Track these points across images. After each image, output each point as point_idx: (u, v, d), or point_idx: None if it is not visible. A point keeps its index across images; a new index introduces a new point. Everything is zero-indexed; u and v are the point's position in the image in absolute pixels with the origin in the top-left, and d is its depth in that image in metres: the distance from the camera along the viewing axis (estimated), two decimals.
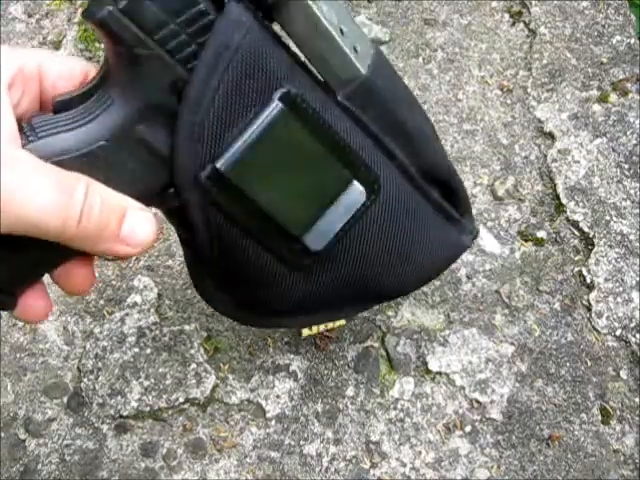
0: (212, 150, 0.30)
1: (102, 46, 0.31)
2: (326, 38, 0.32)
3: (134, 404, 0.49)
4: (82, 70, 0.32)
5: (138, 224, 0.30)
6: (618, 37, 0.60)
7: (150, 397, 0.49)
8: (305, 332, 0.48)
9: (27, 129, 0.29)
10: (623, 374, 0.49)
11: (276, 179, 0.32)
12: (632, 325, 0.50)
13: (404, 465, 0.47)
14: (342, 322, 0.48)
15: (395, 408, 0.49)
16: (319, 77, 0.33)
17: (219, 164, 0.31)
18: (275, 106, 0.31)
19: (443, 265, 0.42)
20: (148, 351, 0.50)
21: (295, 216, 0.34)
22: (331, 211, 0.34)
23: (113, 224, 0.29)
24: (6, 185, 0.25)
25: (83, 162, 0.29)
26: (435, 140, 0.40)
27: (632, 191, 0.54)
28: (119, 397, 0.49)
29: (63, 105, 0.29)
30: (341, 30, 0.32)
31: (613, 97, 0.58)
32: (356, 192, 0.34)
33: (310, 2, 0.31)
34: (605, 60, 0.59)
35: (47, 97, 0.31)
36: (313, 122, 0.32)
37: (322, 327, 0.48)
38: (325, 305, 0.39)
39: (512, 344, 0.50)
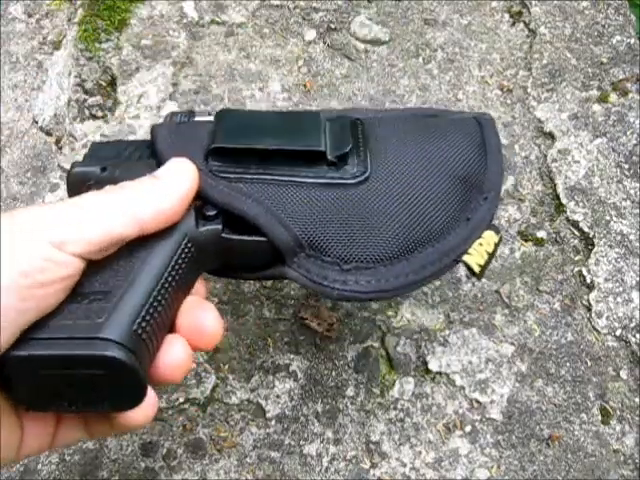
0: (200, 153, 0.37)
1: None
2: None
3: None
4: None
5: (167, 173, 0.34)
6: (618, 37, 0.60)
7: None
8: (474, 264, 0.37)
9: None
10: (623, 374, 0.49)
11: (259, 132, 0.37)
12: (632, 325, 0.50)
13: (404, 465, 0.47)
14: (495, 237, 0.38)
15: (395, 408, 0.49)
16: None
17: (215, 144, 0.36)
18: (215, 116, 0.39)
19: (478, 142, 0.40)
20: None
21: (305, 140, 0.36)
22: (329, 129, 0.38)
23: (153, 192, 0.33)
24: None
25: None
26: None
27: (632, 191, 0.54)
28: None
29: None
30: None
31: (613, 97, 0.58)
32: (330, 113, 0.39)
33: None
34: (605, 60, 0.59)
35: None
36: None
37: (485, 252, 0.38)
38: (429, 211, 0.37)
39: (512, 344, 0.50)
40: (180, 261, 0.33)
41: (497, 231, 0.39)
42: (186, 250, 0.33)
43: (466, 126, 0.41)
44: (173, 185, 0.33)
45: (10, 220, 0.28)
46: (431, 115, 0.43)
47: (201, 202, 0.35)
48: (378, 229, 0.35)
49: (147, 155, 0.38)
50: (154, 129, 0.39)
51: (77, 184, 0.37)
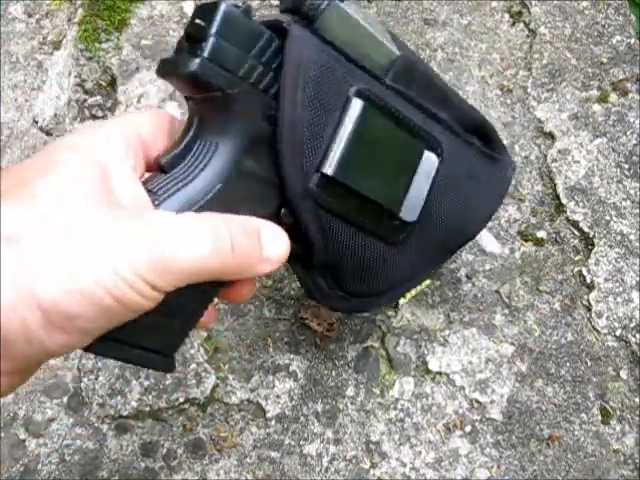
0: (314, 160, 0.33)
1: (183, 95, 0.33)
2: (364, 34, 0.35)
3: (134, 404, 0.49)
4: (167, 120, 0.34)
5: (273, 238, 0.32)
6: (618, 37, 0.60)
7: (150, 397, 0.49)
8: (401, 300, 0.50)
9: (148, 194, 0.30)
10: (623, 374, 0.49)
11: (371, 167, 0.36)
12: (632, 325, 0.50)
13: (404, 465, 0.47)
14: (426, 282, 0.50)
15: (395, 408, 0.49)
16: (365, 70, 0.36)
17: (326, 170, 0.34)
18: (356, 103, 0.34)
19: (497, 202, 0.45)
20: None
21: (391, 194, 0.37)
22: (415, 182, 0.38)
23: (256, 245, 0.31)
24: (166, 249, 0.27)
25: (206, 209, 0.31)
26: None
27: (632, 191, 0.54)
28: (119, 397, 0.49)
29: (171, 163, 0.31)
30: (369, 24, 0.35)
31: (613, 97, 0.58)
32: (430, 159, 0.38)
33: (343, 6, 0.33)
34: (605, 60, 0.59)
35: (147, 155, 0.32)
36: (384, 108, 0.36)
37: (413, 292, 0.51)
38: (412, 271, 0.42)
39: (512, 344, 0.50)
40: None
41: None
42: None
43: (495, 192, 0.45)
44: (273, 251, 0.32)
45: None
46: (481, 132, 0.46)
47: None
48: None
49: (274, 64, 0.32)
50: (290, 38, 0.32)
51: (176, 79, 0.32)
